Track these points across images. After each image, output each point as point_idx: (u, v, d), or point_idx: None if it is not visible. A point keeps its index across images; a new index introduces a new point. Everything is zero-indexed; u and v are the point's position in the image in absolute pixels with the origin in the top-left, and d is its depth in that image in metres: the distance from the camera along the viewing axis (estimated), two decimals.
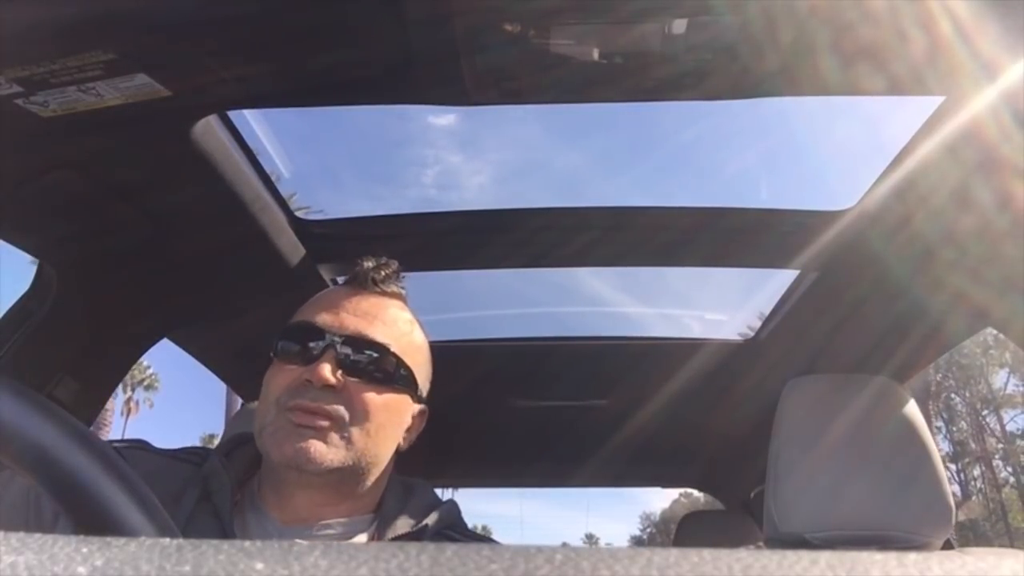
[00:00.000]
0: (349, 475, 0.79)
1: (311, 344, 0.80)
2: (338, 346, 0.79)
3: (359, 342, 0.81)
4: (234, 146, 1.16)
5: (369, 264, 0.88)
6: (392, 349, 0.82)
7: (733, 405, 2.08)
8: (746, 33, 0.87)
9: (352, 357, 0.80)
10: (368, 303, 0.84)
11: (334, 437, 0.77)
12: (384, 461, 0.84)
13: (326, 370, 0.77)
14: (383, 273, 0.87)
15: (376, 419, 0.80)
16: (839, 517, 0.99)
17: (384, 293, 0.87)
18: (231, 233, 1.30)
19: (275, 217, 1.33)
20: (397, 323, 0.85)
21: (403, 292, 0.90)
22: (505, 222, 1.44)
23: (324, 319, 0.82)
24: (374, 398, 0.80)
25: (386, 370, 0.82)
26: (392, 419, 0.83)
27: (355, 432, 0.78)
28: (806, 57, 0.92)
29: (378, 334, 0.82)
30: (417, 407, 0.88)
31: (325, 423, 0.77)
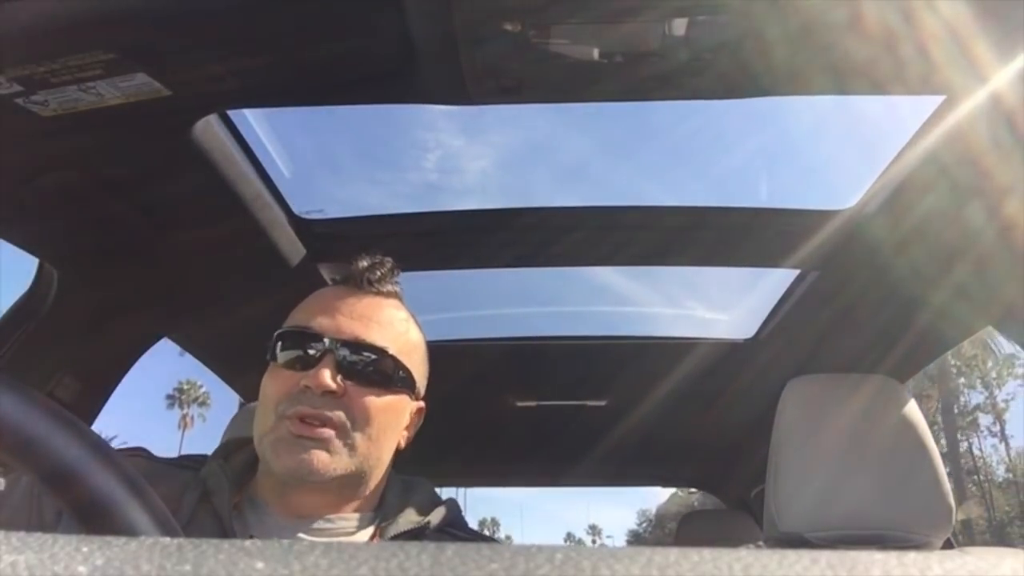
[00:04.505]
0: (353, 480, 0.79)
1: (309, 349, 0.78)
2: (337, 350, 0.78)
3: (358, 346, 0.79)
4: (234, 145, 1.16)
5: (364, 263, 0.86)
6: (390, 351, 0.81)
7: (733, 404, 2.08)
8: (746, 32, 0.87)
9: (351, 361, 0.78)
10: (364, 304, 0.83)
11: (337, 445, 0.76)
12: (386, 462, 0.84)
13: (326, 376, 0.75)
14: (378, 273, 0.86)
15: (377, 423, 0.79)
16: (839, 516, 0.99)
17: (380, 293, 0.86)
18: (231, 232, 1.30)
19: (275, 216, 1.33)
20: (394, 324, 0.84)
21: (398, 291, 0.89)
22: (505, 221, 1.44)
23: (321, 323, 0.80)
24: (374, 401, 0.79)
25: (385, 372, 0.80)
26: (392, 420, 0.82)
27: (357, 437, 0.77)
28: (806, 56, 0.92)
29: (376, 337, 0.81)
30: (415, 405, 0.88)
31: (327, 432, 0.75)
